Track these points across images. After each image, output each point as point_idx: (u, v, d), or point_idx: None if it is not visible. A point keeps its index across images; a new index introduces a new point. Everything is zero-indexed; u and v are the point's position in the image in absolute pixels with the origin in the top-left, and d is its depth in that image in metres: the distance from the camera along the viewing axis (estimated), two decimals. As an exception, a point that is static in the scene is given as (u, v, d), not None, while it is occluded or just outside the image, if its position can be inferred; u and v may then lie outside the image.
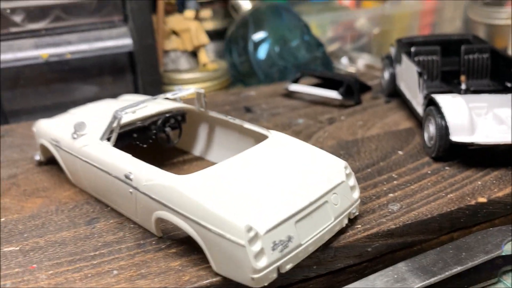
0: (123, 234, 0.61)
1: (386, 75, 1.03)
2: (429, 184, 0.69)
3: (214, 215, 0.49)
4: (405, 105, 0.98)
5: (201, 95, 0.72)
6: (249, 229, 0.48)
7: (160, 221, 0.58)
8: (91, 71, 1.06)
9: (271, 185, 0.54)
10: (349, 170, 0.60)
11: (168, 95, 0.69)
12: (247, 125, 0.69)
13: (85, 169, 0.66)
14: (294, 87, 1.05)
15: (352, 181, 0.60)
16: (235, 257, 0.48)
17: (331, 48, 1.44)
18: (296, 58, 1.28)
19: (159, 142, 0.74)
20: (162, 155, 0.80)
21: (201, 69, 1.18)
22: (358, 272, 0.60)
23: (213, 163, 0.60)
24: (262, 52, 1.26)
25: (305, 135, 0.87)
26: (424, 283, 0.57)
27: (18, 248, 0.59)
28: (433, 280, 0.57)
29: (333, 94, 1.00)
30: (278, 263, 0.49)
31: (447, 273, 0.58)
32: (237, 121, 0.70)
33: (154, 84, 1.06)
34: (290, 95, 1.09)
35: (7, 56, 0.96)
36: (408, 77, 0.90)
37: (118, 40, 1.02)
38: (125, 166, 0.59)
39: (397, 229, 0.60)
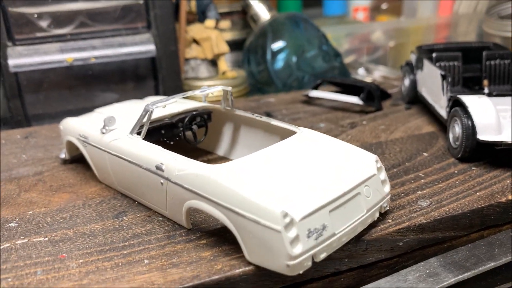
0: (152, 227, 0.60)
1: (407, 81, 1.04)
2: (457, 182, 0.69)
3: (249, 202, 0.49)
4: (427, 110, 0.98)
5: (228, 93, 0.73)
6: (285, 215, 0.47)
7: (190, 212, 0.58)
8: (114, 77, 1.07)
9: (304, 175, 0.54)
10: (380, 164, 0.60)
11: (197, 91, 0.69)
12: (275, 122, 0.69)
13: (113, 163, 0.66)
14: (314, 93, 1.06)
15: (383, 175, 0.60)
16: (270, 243, 0.48)
17: (347, 60, 1.45)
18: (314, 68, 1.29)
19: (185, 140, 0.74)
20: (186, 156, 0.80)
21: (221, 77, 1.19)
22: (389, 267, 0.60)
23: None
24: (280, 62, 1.27)
25: (327, 138, 0.87)
26: (457, 278, 0.56)
27: (47, 238, 0.59)
28: (466, 275, 0.56)
29: (354, 100, 1.00)
30: (313, 251, 0.49)
31: (481, 269, 0.57)
32: (264, 119, 0.71)
33: (176, 90, 1.06)
34: (309, 101, 1.09)
35: (33, 59, 0.97)
36: (430, 82, 0.91)
37: (141, 46, 1.03)
38: (157, 157, 0.59)
39: (428, 224, 0.59)
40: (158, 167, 0.59)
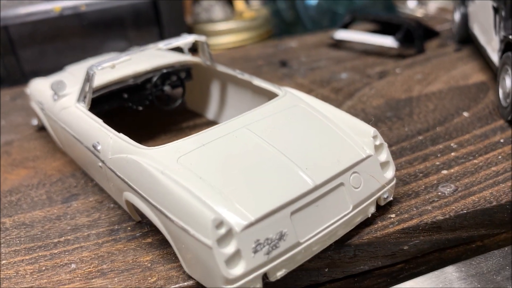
0: (98, 216, 0.50)
1: (457, 16, 0.83)
2: (499, 157, 0.51)
3: (179, 202, 0.37)
4: (479, 53, 0.77)
5: (204, 45, 0.59)
6: (219, 223, 0.34)
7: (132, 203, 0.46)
8: (113, 25, 0.96)
9: (267, 161, 0.40)
10: (380, 141, 0.44)
11: (160, 44, 0.55)
12: (257, 82, 0.55)
13: (64, 135, 0.56)
14: (341, 35, 0.88)
15: (385, 155, 0.44)
16: (203, 260, 0.36)
17: (397, -11, 1.22)
18: (352, 1, 1.09)
19: (156, 104, 0.61)
20: (170, 119, 0.68)
21: (238, 18, 1.03)
22: (391, 275, 0.45)
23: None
24: (312, -4, 1.08)
25: (346, 93, 0.71)
26: (481, 299, 0.41)
27: (-19, 229, 0.51)
28: (494, 294, 0.41)
29: (387, 42, 0.81)
30: (263, 269, 0.36)
31: (517, 286, 0.41)
32: (246, 77, 0.56)
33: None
34: (337, 45, 0.92)
35: (19, 11, 0.87)
36: (483, 17, 0.70)
37: (138, -12, 0.90)
38: (94, 134, 0.48)
39: (446, 221, 0.44)
40: (94, 146, 0.47)
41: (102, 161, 0.46)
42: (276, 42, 0.99)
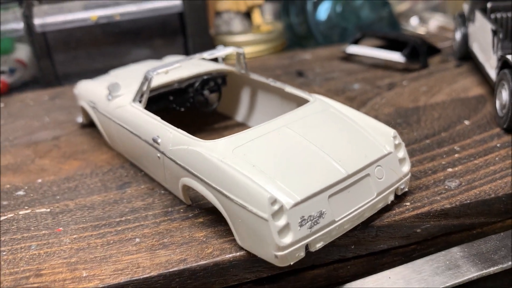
0: (152, 201, 0.58)
1: (458, 35, 0.92)
2: (496, 158, 0.60)
3: (238, 184, 0.45)
4: (478, 69, 0.86)
5: (240, 56, 0.67)
6: (274, 201, 0.43)
7: (187, 188, 0.54)
8: (142, 34, 1.04)
9: (306, 154, 0.48)
10: (398, 140, 0.53)
11: (205, 54, 0.64)
12: (288, 89, 0.63)
13: (119, 132, 0.64)
14: (352, 49, 0.97)
15: (402, 152, 0.53)
16: (258, 231, 0.44)
17: (400, 8, 1.32)
18: (359, 18, 1.18)
19: (197, 106, 0.69)
20: (203, 120, 0.76)
21: (255, 31, 1.12)
22: (405, 254, 0.54)
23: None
24: (322, 12, 1.17)
25: (359, 101, 0.79)
26: (480, 272, 0.49)
27: (49, 210, 0.58)
28: (492, 270, 0.49)
29: (395, 57, 0.90)
30: (306, 241, 0.44)
31: (510, 263, 0.50)
32: (278, 84, 0.65)
33: (205, 47, 1.01)
34: (348, 58, 1.01)
35: (58, 18, 0.95)
36: (482, 37, 0.79)
37: (167, 1, 0.98)
38: (153, 129, 0.56)
39: (452, 209, 0.52)
40: (154, 140, 0.55)
41: (162, 152, 0.54)
42: (291, 54, 1.08)
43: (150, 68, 0.60)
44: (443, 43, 1.02)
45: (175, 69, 0.62)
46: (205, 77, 0.68)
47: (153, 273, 0.46)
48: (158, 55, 0.94)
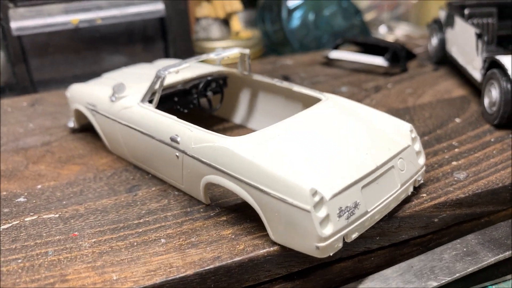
0: (168, 202, 0.57)
1: (435, 41, 0.97)
2: (494, 152, 0.63)
3: (275, 178, 0.45)
4: (456, 72, 0.91)
5: (246, 56, 0.67)
6: (315, 193, 0.43)
7: (208, 187, 0.53)
8: (122, 39, 1.02)
9: (333, 148, 0.49)
10: (414, 134, 0.55)
11: (211, 55, 0.64)
12: (297, 88, 0.64)
13: (124, 133, 0.62)
14: (335, 54, 1.00)
15: (418, 145, 0.55)
16: (298, 224, 0.44)
17: (367, 17, 1.37)
18: (332, 26, 1.21)
19: (200, 108, 0.69)
20: (200, 123, 0.75)
21: (234, 38, 1.13)
22: (422, 244, 0.55)
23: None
24: (296, 20, 1.20)
25: (350, 103, 0.81)
26: (498, 257, 0.52)
27: (57, 215, 0.55)
28: (508, 254, 0.52)
29: (378, 61, 0.94)
30: (344, 231, 0.45)
31: (524, 247, 0.53)
32: (285, 84, 0.65)
33: (186, 52, 1.01)
34: (329, 63, 1.03)
35: (37, 22, 0.92)
36: (462, 41, 0.84)
37: (149, 5, 0.97)
38: (171, 128, 0.55)
39: (466, 199, 0.55)
40: (173, 139, 0.54)
41: (182, 151, 0.53)
42: (271, 59, 1.09)
43: (161, 68, 0.59)
44: (415, 49, 1.07)
45: (183, 69, 0.61)
46: (209, 78, 0.68)
47: (189, 272, 0.45)
48: (136, 61, 0.92)
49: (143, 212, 0.55)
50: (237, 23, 1.13)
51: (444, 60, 0.95)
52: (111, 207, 0.56)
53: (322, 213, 0.43)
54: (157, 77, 0.58)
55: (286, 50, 1.19)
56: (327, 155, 0.48)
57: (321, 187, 0.44)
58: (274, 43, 1.21)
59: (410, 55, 1.01)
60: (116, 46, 1.02)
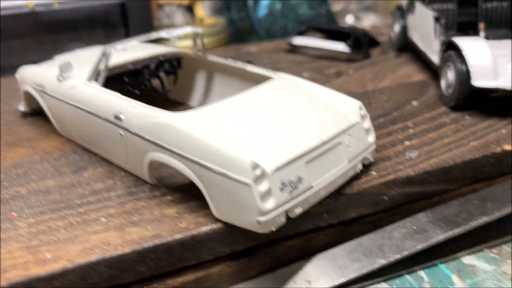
0: (113, 182, 0.55)
1: (397, 27, 0.97)
2: (448, 132, 0.63)
3: (215, 152, 0.44)
4: (417, 58, 0.91)
5: (199, 35, 0.66)
6: (255, 166, 0.42)
7: (153, 165, 0.52)
8: (82, 25, 0.99)
9: (279, 124, 0.48)
10: (364, 111, 0.54)
11: (162, 33, 0.62)
12: (250, 68, 0.63)
13: (71, 113, 0.60)
14: (298, 41, 0.99)
15: (367, 123, 0.54)
16: (239, 198, 0.43)
17: (335, 7, 1.37)
18: (298, 15, 1.21)
19: (152, 89, 0.67)
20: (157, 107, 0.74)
21: (198, 24, 1.11)
22: (372, 223, 0.55)
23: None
24: (263, 9, 1.19)
25: (311, 87, 0.81)
26: (447, 234, 0.52)
27: (-4, 196, 0.53)
28: (457, 231, 0.52)
29: (340, 47, 0.93)
30: (286, 206, 0.44)
31: (473, 224, 0.52)
32: (239, 64, 0.64)
33: (149, 39, 0.99)
34: (293, 50, 1.02)
35: (-11, 4, 0.88)
36: (422, 26, 0.84)
37: (110, -11, 0.95)
38: (115, 105, 0.53)
39: (416, 177, 0.54)
40: (116, 117, 0.52)
41: (125, 129, 0.51)
42: (236, 47, 1.08)
43: (107, 45, 0.58)
44: (380, 37, 1.07)
45: (131, 48, 0.60)
46: (161, 58, 0.66)
47: (126, 250, 0.44)
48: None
49: (87, 192, 0.53)
50: (201, 10, 1.11)
51: (406, 47, 0.95)
52: (54, 188, 0.54)
53: (263, 186, 0.42)
54: (103, 54, 0.57)
55: (252, 39, 1.18)
56: (271, 130, 0.47)
57: (263, 161, 0.43)
58: (240, 31, 1.20)
59: (374, 43, 1.01)
60: (76, 32, 0.99)
